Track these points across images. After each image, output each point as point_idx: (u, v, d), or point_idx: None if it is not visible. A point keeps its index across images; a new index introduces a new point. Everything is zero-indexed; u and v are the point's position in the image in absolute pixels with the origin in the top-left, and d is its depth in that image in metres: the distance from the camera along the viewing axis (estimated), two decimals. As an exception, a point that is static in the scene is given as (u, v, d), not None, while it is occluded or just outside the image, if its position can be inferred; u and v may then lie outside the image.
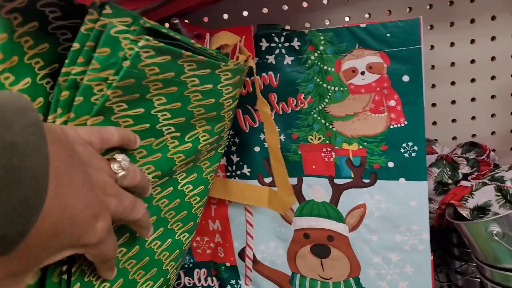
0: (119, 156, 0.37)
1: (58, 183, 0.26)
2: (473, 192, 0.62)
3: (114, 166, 0.36)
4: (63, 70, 0.36)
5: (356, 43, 0.54)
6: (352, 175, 0.59)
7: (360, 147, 0.57)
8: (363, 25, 0.53)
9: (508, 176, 0.60)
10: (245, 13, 0.73)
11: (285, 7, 0.73)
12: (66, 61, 0.36)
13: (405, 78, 0.53)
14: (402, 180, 0.57)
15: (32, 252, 0.27)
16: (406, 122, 0.54)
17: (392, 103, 0.54)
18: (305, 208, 0.62)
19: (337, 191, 0.59)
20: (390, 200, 0.57)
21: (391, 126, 0.55)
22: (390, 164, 0.56)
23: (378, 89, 0.55)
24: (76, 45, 0.36)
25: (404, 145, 0.55)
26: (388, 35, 0.52)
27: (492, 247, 0.59)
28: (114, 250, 0.36)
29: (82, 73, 0.36)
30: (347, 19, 0.74)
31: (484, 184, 0.61)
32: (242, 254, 0.67)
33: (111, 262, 0.37)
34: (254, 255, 0.67)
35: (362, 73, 0.54)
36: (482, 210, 0.61)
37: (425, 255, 0.58)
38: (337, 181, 0.59)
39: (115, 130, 0.37)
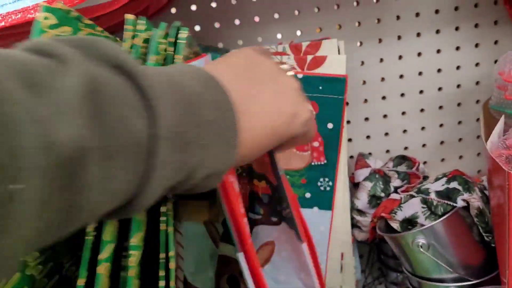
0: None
1: (245, 113, 0.32)
2: (401, 205, 0.63)
3: (285, 67, 0.41)
4: None
5: None
6: (262, 212, 0.57)
7: None
8: (300, 75, 0.59)
9: (433, 188, 0.61)
10: (177, 31, 0.72)
11: (217, 25, 0.73)
12: None
13: (329, 126, 0.61)
14: (315, 208, 0.64)
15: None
16: (325, 161, 0.63)
17: (316, 144, 0.62)
18: (226, 234, 0.62)
19: (251, 225, 0.58)
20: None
21: (312, 163, 0.63)
22: (307, 195, 0.64)
23: None
24: None
25: (321, 179, 0.63)
26: (320, 87, 0.59)
27: (420, 259, 0.60)
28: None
29: None
30: (279, 36, 0.75)
31: (411, 196, 0.63)
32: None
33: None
34: (185, 277, 0.66)
35: None
36: (410, 222, 0.62)
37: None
38: (250, 215, 0.58)
39: None
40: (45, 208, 0.19)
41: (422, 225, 0.60)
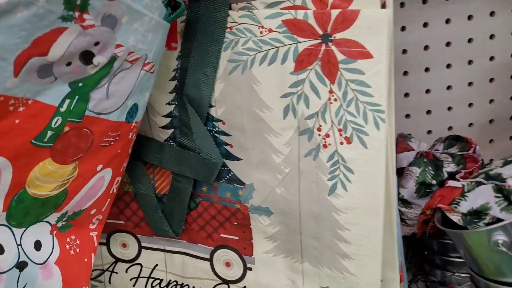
0: None
1: None
2: (465, 194, 0.53)
3: None
4: None
5: None
6: None
7: None
8: None
9: (507, 173, 0.51)
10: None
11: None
12: None
13: None
14: None
15: None
16: None
17: None
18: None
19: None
20: None
21: None
22: None
23: None
24: None
25: None
26: None
27: (495, 258, 0.50)
28: None
29: None
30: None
31: (479, 183, 0.53)
32: None
33: None
34: None
35: None
36: (478, 215, 0.52)
37: None
38: None
39: None
40: None
41: (494, 218, 0.50)
